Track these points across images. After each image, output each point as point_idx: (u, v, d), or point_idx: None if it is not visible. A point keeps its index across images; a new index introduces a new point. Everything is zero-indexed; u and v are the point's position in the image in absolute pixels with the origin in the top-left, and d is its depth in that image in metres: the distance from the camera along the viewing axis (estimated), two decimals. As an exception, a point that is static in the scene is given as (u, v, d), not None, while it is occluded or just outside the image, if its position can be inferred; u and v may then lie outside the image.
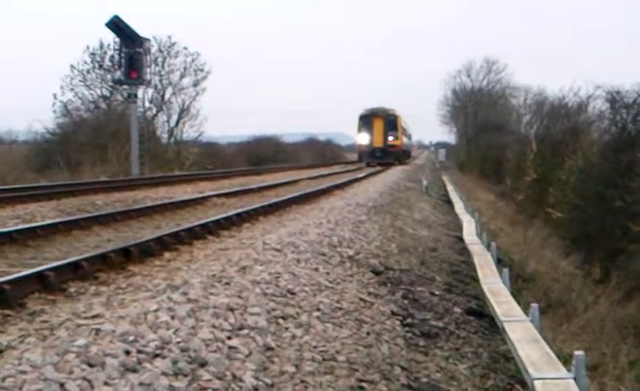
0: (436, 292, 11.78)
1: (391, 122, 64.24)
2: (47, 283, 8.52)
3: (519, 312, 10.19)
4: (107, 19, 35.07)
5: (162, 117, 51.30)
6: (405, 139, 72.38)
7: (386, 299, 10.33)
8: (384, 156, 62.52)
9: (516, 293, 12.65)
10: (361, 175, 38.88)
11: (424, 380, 7.45)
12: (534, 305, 9.57)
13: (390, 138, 63.69)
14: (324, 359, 6.88)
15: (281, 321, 7.49)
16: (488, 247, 16.69)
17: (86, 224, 14.63)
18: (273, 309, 7.74)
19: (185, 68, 51.01)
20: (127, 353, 5.67)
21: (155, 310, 6.85)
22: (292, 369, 6.43)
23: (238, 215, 16.17)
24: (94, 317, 6.89)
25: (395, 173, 47.48)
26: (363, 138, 63.69)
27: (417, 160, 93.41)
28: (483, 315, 10.98)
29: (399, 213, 21.87)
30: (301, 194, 23.07)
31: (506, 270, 12.79)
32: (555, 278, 21.51)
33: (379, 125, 63.72)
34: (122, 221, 15.65)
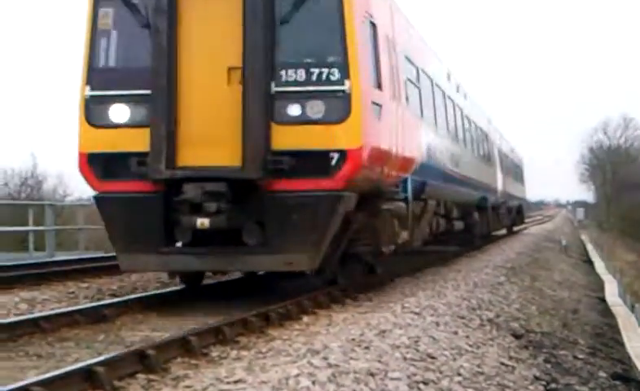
0: (580, 356, 11.48)
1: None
2: (190, 348, 8.66)
3: (668, 377, 9.84)
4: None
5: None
6: (475, 161, 26.70)
7: (528, 363, 10.12)
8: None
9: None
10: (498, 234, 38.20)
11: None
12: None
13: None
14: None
15: (422, 386, 7.40)
16: (632, 309, 16.20)
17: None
18: (414, 374, 7.67)
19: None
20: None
21: (297, 375, 6.87)
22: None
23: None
24: (236, 382, 6.95)
25: (532, 232, 46.62)
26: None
27: (556, 219, 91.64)
28: (630, 380, 10.62)
29: (538, 274, 21.49)
30: (438, 256, 22.83)
31: (652, 333, 12.39)
32: None
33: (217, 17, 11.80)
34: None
